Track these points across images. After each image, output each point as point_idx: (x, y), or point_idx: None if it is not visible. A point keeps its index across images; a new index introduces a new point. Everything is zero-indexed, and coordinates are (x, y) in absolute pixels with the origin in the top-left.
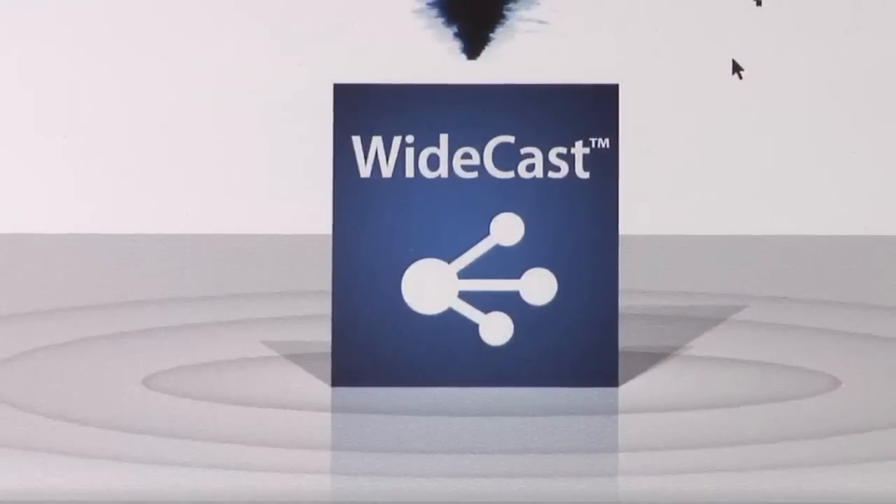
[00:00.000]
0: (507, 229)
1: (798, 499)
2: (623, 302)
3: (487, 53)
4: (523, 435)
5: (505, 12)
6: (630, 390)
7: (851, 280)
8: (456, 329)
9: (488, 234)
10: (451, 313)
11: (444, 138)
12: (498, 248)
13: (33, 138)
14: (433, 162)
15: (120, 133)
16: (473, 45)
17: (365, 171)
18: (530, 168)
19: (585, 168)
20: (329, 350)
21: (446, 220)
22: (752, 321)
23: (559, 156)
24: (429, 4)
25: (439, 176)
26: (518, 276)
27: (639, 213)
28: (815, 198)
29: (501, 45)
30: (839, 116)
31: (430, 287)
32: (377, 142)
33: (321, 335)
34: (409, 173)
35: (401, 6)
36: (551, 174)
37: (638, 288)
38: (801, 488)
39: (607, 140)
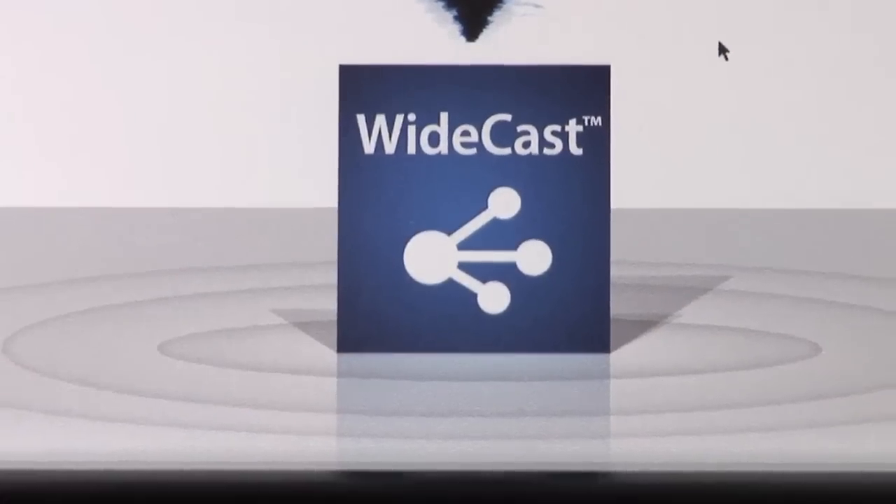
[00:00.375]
0: (505, 203)
1: (782, 459)
2: (615, 272)
3: (485, 36)
4: (519, 399)
5: None
6: (621, 356)
7: (832, 251)
8: (455, 298)
9: (486, 207)
10: (450, 283)
11: (444, 116)
12: (495, 221)
13: (47, 112)
14: (434, 139)
15: (132, 109)
16: (472, 28)
17: (369, 147)
18: (526, 145)
19: (579, 145)
20: (335, 318)
21: (446, 194)
22: (737, 290)
23: (554, 133)
24: None
25: (440, 153)
26: (515, 248)
27: (630, 187)
28: (798, 172)
29: (499, 28)
30: (822, 92)
31: (430, 258)
32: (381, 120)
33: (327, 304)
34: (411, 150)
35: None
36: (546, 151)
37: (629, 259)
38: (785, 450)
39: (600, 118)
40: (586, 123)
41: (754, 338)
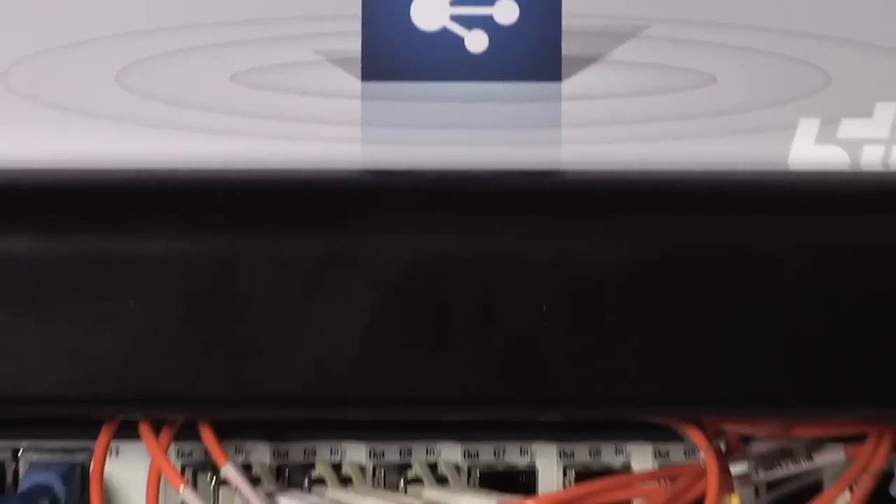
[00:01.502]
0: None
1: (694, 158)
2: (567, 21)
3: None
4: (497, 115)
5: None
6: (571, 84)
7: (743, 9)
8: (448, 41)
9: None
10: (444, 30)
11: None
12: None
13: None
14: None
15: None
16: None
17: None
18: None
19: None
20: (360, 56)
21: None
22: (659, 37)
23: None
24: None
25: None
26: (492, 4)
27: None
28: None
29: None
30: None
31: (430, 11)
32: None
33: (355, 45)
34: None
35: None
36: None
37: (578, 12)
38: (697, 153)
39: None
40: None
41: (670, 71)
